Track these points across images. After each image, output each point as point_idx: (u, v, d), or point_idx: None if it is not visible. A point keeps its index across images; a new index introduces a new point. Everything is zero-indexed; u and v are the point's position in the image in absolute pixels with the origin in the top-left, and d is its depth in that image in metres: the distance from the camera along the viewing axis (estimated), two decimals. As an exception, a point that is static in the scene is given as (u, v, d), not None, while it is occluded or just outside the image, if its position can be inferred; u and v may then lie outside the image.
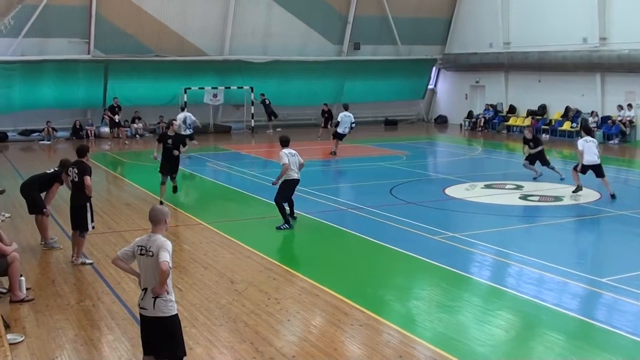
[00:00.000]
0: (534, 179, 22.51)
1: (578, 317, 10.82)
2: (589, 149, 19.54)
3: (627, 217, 17.49)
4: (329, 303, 11.31)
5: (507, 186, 22.09)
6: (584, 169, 19.65)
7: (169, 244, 7.66)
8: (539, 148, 22.65)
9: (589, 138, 19.94)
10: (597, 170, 19.56)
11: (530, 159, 23.00)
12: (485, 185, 21.81)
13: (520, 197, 20.38)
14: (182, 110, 31.75)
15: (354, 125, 30.29)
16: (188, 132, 28.80)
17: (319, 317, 10.80)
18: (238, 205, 19.98)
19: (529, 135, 23.00)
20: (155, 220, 7.82)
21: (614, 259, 14.54)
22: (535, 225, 17.24)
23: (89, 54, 36.52)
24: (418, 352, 9.44)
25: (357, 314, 10.80)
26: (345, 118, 29.77)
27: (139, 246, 7.78)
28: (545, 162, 22.78)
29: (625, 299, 11.43)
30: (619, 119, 34.16)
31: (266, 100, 39.43)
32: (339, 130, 29.74)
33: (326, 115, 37.61)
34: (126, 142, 34.54)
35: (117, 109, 35.85)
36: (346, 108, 30.72)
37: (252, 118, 39.77)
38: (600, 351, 9.51)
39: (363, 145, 33.34)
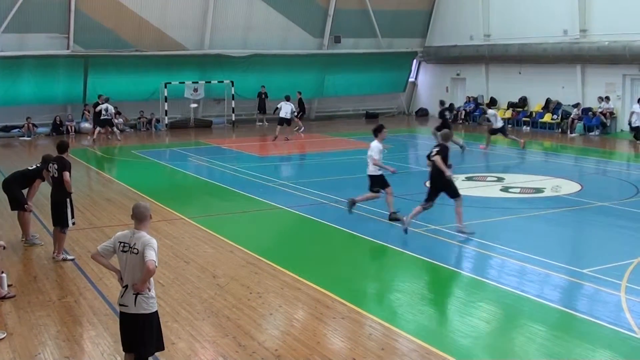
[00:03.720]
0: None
1: (559, 308, 10.88)
2: None
3: (607, 208, 17.61)
4: (311, 296, 11.34)
5: (488, 178, 22.19)
6: None
7: (154, 242, 7.63)
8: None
9: None
10: None
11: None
12: (466, 178, 21.87)
13: (501, 189, 20.48)
14: (105, 101, 32.75)
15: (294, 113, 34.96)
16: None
17: (301, 311, 10.82)
18: (219, 199, 19.95)
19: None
20: (140, 217, 7.76)
21: (595, 250, 14.66)
22: (517, 217, 17.31)
23: (68, 49, 36.23)
24: (400, 344, 9.48)
25: (340, 307, 10.82)
26: (285, 105, 33.66)
27: (120, 242, 7.71)
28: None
29: (606, 290, 11.52)
30: (600, 110, 34.33)
31: (263, 95, 39.67)
32: (281, 115, 33.45)
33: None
34: (119, 138, 33.79)
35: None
36: (287, 99, 34.21)
37: (233, 112, 39.69)
38: (581, 342, 9.58)
39: (344, 139, 33.35)
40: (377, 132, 16.88)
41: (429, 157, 15.79)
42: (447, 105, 32.28)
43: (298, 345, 9.37)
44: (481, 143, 29.38)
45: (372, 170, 16.85)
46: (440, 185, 15.35)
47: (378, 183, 17.01)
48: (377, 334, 9.81)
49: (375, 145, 16.67)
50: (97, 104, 34.25)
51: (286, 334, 9.83)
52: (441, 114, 29.64)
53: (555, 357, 8.99)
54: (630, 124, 31.94)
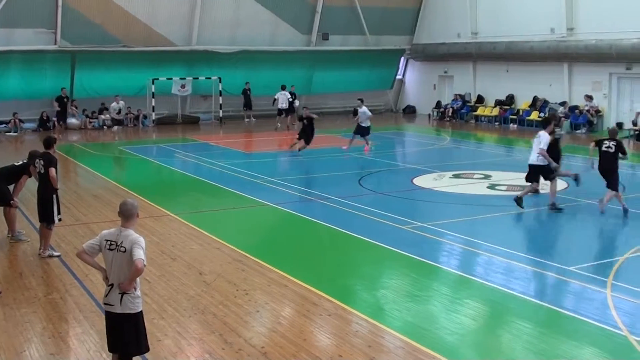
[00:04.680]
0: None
1: (546, 305, 10.92)
2: None
3: (593, 206, 17.64)
4: (298, 293, 11.33)
5: (475, 176, 22.23)
6: None
7: (142, 240, 7.54)
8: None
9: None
10: None
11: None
12: (453, 175, 21.92)
13: (488, 187, 20.53)
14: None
15: None
16: None
17: (287, 308, 10.81)
18: (206, 196, 19.91)
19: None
20: (127, 214, 7.67)
21: (581, 247, 14.70)
22: (503, 215, 17.34)
23: (55, 44, 36.04)
24: (387, 341, 9.49)
25: (326, 304, 10.82)
26: (281, 96, 36.84)
27: (107, 240, 7.61)
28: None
29: (592, 287, 11.57)
30: (587, 108, 34.45)
31: (248, 91, 39.71)
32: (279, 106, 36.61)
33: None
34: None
35: (65, 100, 35.09)
36: (283, 88, 37.23)
37: (221, 108, 39.61)
38: (567, 339, 9.62)
39: (331, 136, 33.34)
40: (547, 123, 17.38)
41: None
42: None
43: (284, 342, 9.37)
44: (477, 142, 29.39)
45: (536, 159, 17.08)
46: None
47: (538, 173, 17.26)
48: (363, 331, 9.81)
49: (544, 135, 16.93)
50: (60, 98, 34.05)
51: (273, 331, 9.82)
52: None
53: (541, 355, 9.02)
54: (635, 124, 31.86)
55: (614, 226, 16.38)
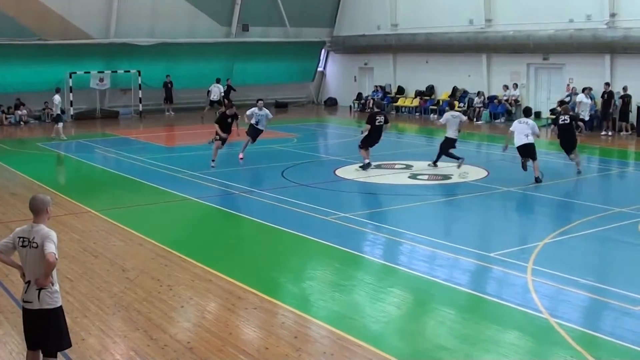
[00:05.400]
0: None
1: (469, 291, 11.11)
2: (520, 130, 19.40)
3: (513, 193, 18.02)
4: (223, 288, 11.27)
5: (397, 166, 22.46)
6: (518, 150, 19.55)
7: (53, 234, 7.42)
8: None
9: (523, 119, 19.86)
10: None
11: None
12: (375, 166, 22.05)
13: (409, 177, 20.75)
14: None
15: None
16: None
17: (212, 303, 10.74)
18: (128, 192, 19.62)
19: None
20: (37, 209, 7.52)
21: (501, 234, 15.00)
22: (425, 204, 17.56)
23: (-34, 37, 35.07)
24: (313, 331, 9.51)
25: (251, 297, 10.79)
26: (214, 88, 37.94)
27: (20, 237, 7.47)
28: None
29: (513, 273, 11.80)
30: (505, 98, 35.12)
31: (169, 84, 39.48)
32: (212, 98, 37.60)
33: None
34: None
35: None
36: (218, 81, 38.04)
37: (140, 102, 39.10)
38: (490, 323, 9.79)
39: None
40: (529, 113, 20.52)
41: None
42: None
43: (210, 337, 9.31)
44: (398, 132, 29.60)
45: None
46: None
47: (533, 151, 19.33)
48: (289, 322, 9.82)
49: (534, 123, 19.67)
50: None
51: (198, 326, 9.75)
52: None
53: (465, 339, 9.16)
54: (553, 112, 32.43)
55: (534, 213, 16.75)
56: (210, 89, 38.24)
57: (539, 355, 8.73)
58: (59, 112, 30.15)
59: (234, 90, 39.42)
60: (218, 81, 38.39)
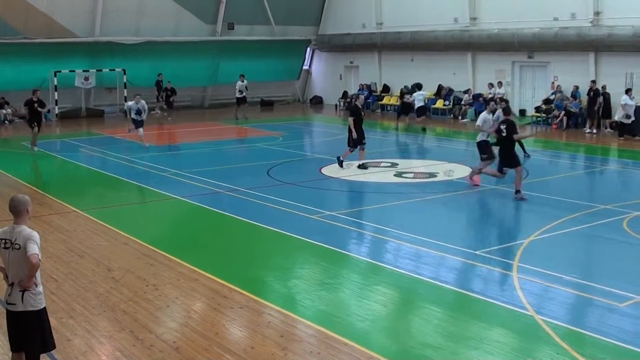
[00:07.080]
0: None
1: (454, 289, 11.13)
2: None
3: (498, 190, 18.08)
4: (208, 287, 11.24)
5: (382, 164, 22.48)
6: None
7: (36, 235, 7.35)
8: None
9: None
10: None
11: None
12: (360, 164, 22.04)
13: (395, 175, 20.76)
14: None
15: None
16: None
17: (198, 302, 10.71)
18: (113, 191, 19.55)
19: None
20: (16, 211, 7.44)
21: (487, 231, 15.08)
22: (411, 202, 17.58)
23: (-51, 36, 34.82)
24: (299, 330, 9.50)
25: (237, 296, 10.77)
26: (240, 84, 37.32)
27: (1, 239, 7.40)
28: None
29: (499, 270, 11.85)
30: (490, 96, 35.18)
31: (161, 82, 39.03)
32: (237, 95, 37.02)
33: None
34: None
35: None
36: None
37: (126, 101, 38.91)
38: (476, 321, 9.80)
39: (239, 126, 33.19)
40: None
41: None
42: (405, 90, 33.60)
43: (196, 336, 9.28)
44: (384, 130, 29.65)
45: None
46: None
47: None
48: (275, 321, 9.80)
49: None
50: None
51: (184, 326, 9.72)
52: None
53: (451, 337, 9.18)
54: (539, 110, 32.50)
55: (519, 211, 16.79)
56: (237, 86, 37.49)
57: (525, 352, 8.74)
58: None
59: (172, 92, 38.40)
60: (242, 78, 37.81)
